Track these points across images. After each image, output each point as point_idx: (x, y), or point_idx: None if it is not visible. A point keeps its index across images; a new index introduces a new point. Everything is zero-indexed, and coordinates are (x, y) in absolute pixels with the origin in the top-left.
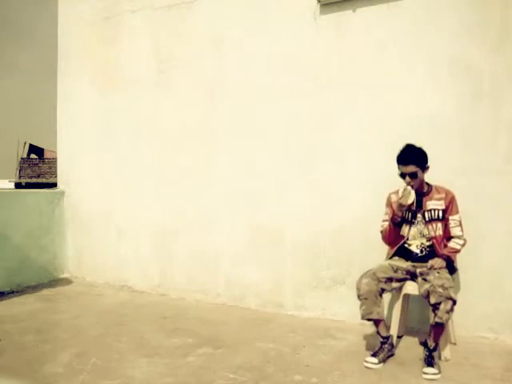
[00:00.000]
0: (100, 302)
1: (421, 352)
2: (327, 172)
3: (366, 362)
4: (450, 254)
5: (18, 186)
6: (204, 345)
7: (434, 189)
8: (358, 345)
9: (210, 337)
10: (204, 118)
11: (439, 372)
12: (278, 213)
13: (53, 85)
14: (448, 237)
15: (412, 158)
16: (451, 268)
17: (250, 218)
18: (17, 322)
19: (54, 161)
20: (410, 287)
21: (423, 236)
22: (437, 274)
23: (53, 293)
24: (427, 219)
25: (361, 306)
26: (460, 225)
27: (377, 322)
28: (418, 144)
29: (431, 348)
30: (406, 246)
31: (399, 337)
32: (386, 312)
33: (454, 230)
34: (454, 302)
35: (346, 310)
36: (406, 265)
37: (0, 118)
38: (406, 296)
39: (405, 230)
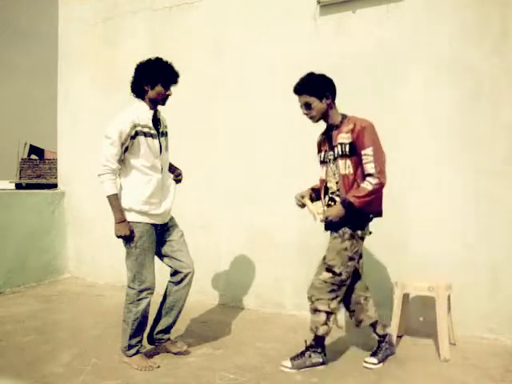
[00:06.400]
0: (100, 302)
1: (421, 351)
2: None
3: (366, 362)
4: (353, 200)
5: (18, 186)
6: (204, 345)
7: (346, 121)
8: (358, 345)
9: (209, 337)
10: (204, 118)
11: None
12: (278, 213)
13: (53, 86)
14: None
15: (302, 87)
16: (361, 215)
17: (250, 218)
18: (17, 323)
19: (54, 161)
20: (411, 287)
21: (335, 175)
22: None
23: (53, 293)
24: (335, 155)
25: (351, 318)
26: (374, 161)
27: (372, 325)
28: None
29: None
30: (328, 186)
31: (399, 336)
32: (385, 312)
33: (367, 167)
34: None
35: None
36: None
37: (0, 119)
38: (406, 295)
39: (323, 171)
